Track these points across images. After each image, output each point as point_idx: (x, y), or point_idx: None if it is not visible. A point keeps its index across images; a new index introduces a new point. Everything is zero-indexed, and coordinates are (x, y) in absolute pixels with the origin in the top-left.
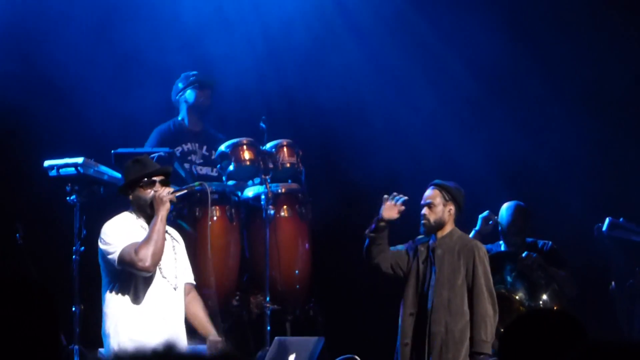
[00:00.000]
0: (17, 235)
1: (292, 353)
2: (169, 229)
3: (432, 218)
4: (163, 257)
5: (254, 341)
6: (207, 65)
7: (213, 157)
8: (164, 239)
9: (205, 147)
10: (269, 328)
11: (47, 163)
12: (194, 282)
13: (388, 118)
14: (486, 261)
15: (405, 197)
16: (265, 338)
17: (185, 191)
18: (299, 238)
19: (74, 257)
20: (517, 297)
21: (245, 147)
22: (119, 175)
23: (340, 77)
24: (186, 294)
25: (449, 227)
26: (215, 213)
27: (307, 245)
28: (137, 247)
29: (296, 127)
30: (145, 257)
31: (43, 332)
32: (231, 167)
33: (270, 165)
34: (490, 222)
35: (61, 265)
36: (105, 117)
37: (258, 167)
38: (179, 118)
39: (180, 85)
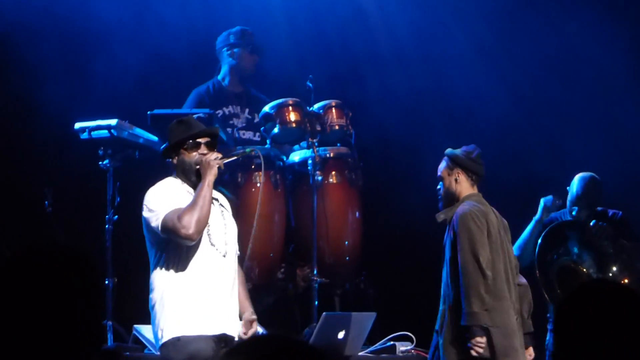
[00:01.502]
0: (46, 202)
1: (341, 330)
2: (218, 195)
3: (443, 191)
4: (211, 224)
5: (300, 317)
6: (247, 19)
7: (256, 120)
8: (210, 206)
9: (247, 110)
10: (316, 303)
11: (78, 125)
12: (238, 252)
13: (442, 77)
14: (466, 231)
15: None
16: (312, 313)
17: (235, 157)
18: (349, 206)
19: (106, 226)
20: (584, 269)
21: (290, 108)
22: (155, 138)
23: (391, 34)
24: None
25: (463, 196)
26: (259, 179)
27: (357, 213)
28: (181, 214)
29: (345, 87)
30: (189, 224)
31: (86, 307)
32: (276, 130)
33: (318, 128)
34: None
35: (93, 235)
36: (141, 76)
37: (305, 130)
38: (219, 77)
39: (231, 38)
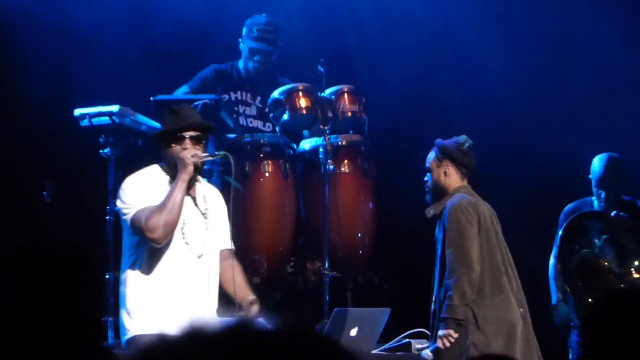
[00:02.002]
0: (45, 193)
1: (353, 326)
2: (207, 188)
3: (430, 183)
4: (188, 222)
5: (310, 313)
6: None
7: (266, 109)
8: (180, 207)
9: (260, 98)
10: (327, 298)
11: (78, 112)
12: (232, 248)
13: (458, 65)
14: (460, 217)
15: None
16: (323, 309)
17: (210, 158)
18: (362, 196)
19: (107, 217)
20: (605, 264)
21: (301, 93)
22: (158, 125)
23: (405, 17)
24: (222, 260)
25: (452, 189)
26: (268, 168)
27: (370, 204)
28: (148, 215)
29: (357, 72)
30: (156, 227)
31: (84, 303)
32: (285, 117)
33: (330, 114)
34: None
35: (94, 227)
36: (144, 60)
37: (315, 117)
38: (239, 63)
39: (244, 30)
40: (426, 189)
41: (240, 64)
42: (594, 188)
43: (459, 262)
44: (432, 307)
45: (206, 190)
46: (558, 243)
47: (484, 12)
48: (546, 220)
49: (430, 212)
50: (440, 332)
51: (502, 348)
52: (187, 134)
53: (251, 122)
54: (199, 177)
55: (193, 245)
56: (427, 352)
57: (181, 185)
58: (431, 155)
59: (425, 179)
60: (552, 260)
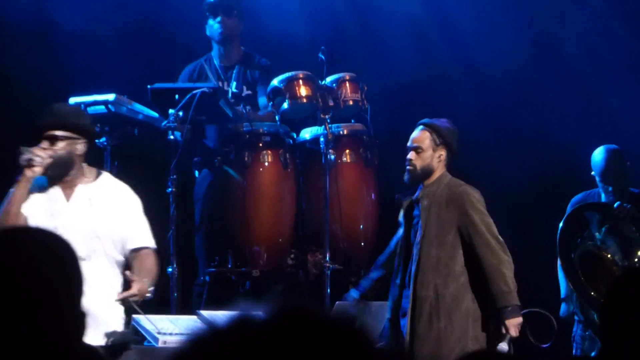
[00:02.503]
0: None
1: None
2: (101, 187)
3: (418, 164)
4: (68, 224)
5: (311, 306)
6: None
7: (245, 92)
8: (13, 209)
9: (235, 84)
10: (329, 291)
11: (72, 100)
12: (149, 245)
13: (458, 49)
14: (481, 207)
15: None
16: (325, 302)
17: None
18: (364, 187)
19: None
20: (608, 256)
21: (301, 81)
22: (155, 114)
23: (409, 5)
24: (132, 260)
25: (437, 174)
26: (267, 158)
27: (373, 195)
28: None
29: (359, 59)
30: None
31: (59, 292)
32: (285, 105)
33: (331, 103)
34: None
35: None
36: (140, 47)
37: (316, 105)
38: (212, 52)
39: (205, 8)
40: (409, 168)
41: (214, 52)
42: (599, 183)
43: (499, 249)
44: (422, 293)
45: (98, 189)
46: (558, 237)
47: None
48: (546, 214)
49: (424, 201)
50: (511, 321)
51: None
52: (47, 133)
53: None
54: (102, 176)
55: (76, 248)
56: (502, 345)
57: (18, 186)
58: (424, 134)
59: (410, 157)
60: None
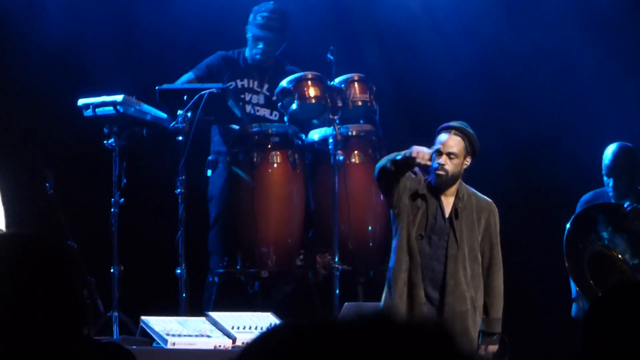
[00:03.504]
0: (47, 184)
1: None
2: None
3: (450, 170)
4: None
5: (320, 307)
6: None
7: (273, 98)
8: None
9: (267, 86)
10: (338, 292)
11: (81, 101)
12: None
13: (468, 50)
14: (498, 225)
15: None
16: (333, 303)
17: None
18: (373, 188)
19: (112, 210)
20: (618, 255)
21: (310, 82)
22: (163, 114)
23: (418, 5)
24: None
25: (459, 181)
26: (276, 159)
27: (382, 196)
28: None
29: (368, 59)
30: None
31: (51, 291)
32: (294, 106)
33: (339, 104)
34: None
35: (98, 220)
36: (149, 48)
37: (325, 106)
38: (246, 51)
39: (257, 18)
40: (440, 173)
41: (247, 52)
42: (604, 177)
43: (502, 275)
44: (462, 307)
45: None
46: (565, 239)
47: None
48: (554, 214)
49: (459, 207)
50: (490, 348)
51: None
52: None
53: (258, 111)
54: None
55: None
56: None
57: None
58: (459, 141)
59: (443, 162)
60: None
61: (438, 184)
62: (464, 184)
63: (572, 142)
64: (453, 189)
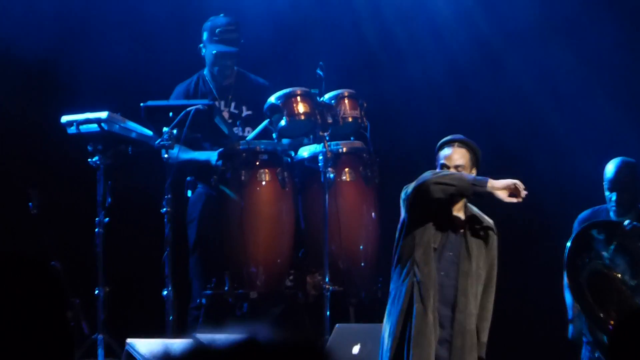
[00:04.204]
0: (30, 204)
1: (356, 343)
2: None
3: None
4: None
5: (311, 329)
6: (249, 3)
7: (245, 113)
8: None
9: (234, 104)
10: (328, 313)
11: (65, 119)
12: None
13: (458, 65)
14: None
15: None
16: (324, 325)
17: None
18: (364, 206)
19: (97, 229)
20: (617, 275)
21: (299, 98)
22: (149, 132)
23: (406, 19)
24: None
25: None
26: (265, 177)
27: (373, 214)
28: None
29: (358, 75)
30: None
31: (33, 312)
32: (283, 123)
33: (329, 120)
34: None
35: (82, 240)
36: (133, 65)
37: (315, 122)
38: (205, 71)
39: (204, 35)
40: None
41: (206, 72)
42: (605, 192)
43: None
44: (469, 325)
45: None
46: (565, 257)
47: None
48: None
49: (469, 225)
50: None
51: None
52: None
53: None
54: None
55: None
56: None
57: None
58: (465, 153)
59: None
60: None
61: (450, 197)
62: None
63: (570, 158)
64: (461, 204)
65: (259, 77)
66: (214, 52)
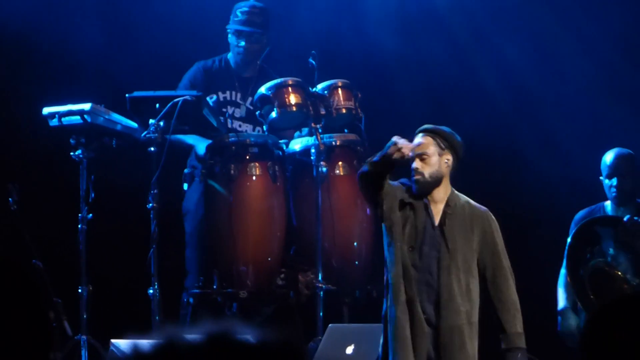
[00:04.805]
0: (10, 199)
1: (350, 343)
2: None
3: (427, 172)
4: None
5: (303, 329)
6: None
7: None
8: None
9: (250, 99)
10: (321, 313)
11: (46, 110)
12: None
13: (456, 56)
14: (501, 234)
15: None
16: (317, 325)
17: None
18: (358, 201)
19: (80, 226)
20: (619, 273)
21: (290, 89)
22: (134, 124)
23: (403, 8)
24: None
25: (446, 185)
26: (255, 171)
27: (367, 210)
28: None
29: (352, 65)
30: None
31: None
32: (273, 114)
33: (322, 112)
34: None
35: (64, 237)
36: (118, 54)
37: (307, 114)
38: (228, 56)
39: (233, 20)
40: (417, 177)
41: (230, 57)
42: (604, 180)
43: (514, 285)
44: (456, 321)
45: None
46: (566, 252)
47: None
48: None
49: (447, 215)
50: None
51: None
52: None
53: (240, 126)
54: None
55: None
56: None
57: None
58: (428, 140)
59: (416, 166)
60: (562, 271)
61: (420, 191)
62: (457, 192)
63: (565, 154)
64: (441, 195)
65: (278, 75)
66: (235, 30)
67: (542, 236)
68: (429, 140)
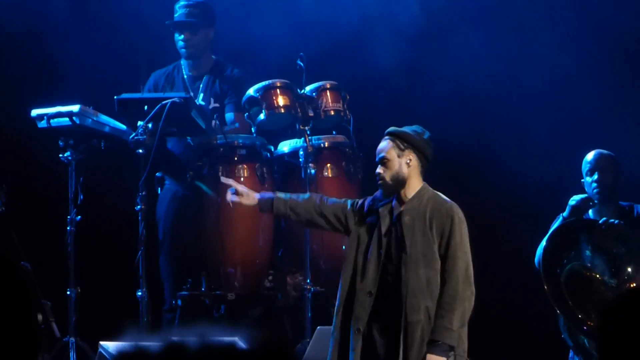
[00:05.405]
0: None
1: None
2: None
3: (387, 175)
4: None
5: (291, 331)
6: None
7: (212, 105)
8: None
9: (202, 96)
10: (309, 315)
11: (35, 112)
12: None
13: (444, 56)
14: (464, 229)
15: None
16: (305, 327)
17: None
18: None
19: (68, 228)
20: (596, 276)
21: (278, 90)
22: (123, 126)
23: (390, 10)
24: None
25: (415, 184)
26: (243, 172)
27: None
28: None
29: (340, 66)
30: None
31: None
32: (262, 116)
33: (310, 113)
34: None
35: (53, 239)
36: (106, 56)
37: (295, 116)
38: (181, 61)
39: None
40: (380, 182)
41: (183, 60)
42: (586, 178)
43: (468, 281)
44: (414, 317)
45: None
46: (542, 256)
47: (469, 4)
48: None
49: (406, 217)
50: (429, 357)
51: None
52: None
53: None
54: None
55: None
56: None
57: None
58: (386, 144)
59: (379, 171)
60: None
61: (386, 194)
62: (429, 188)
63: (548, 154)
64: (409, 194)
65: (237, 69)
66: (172, 28)
67: (516, 234)
68: (388, 143)
